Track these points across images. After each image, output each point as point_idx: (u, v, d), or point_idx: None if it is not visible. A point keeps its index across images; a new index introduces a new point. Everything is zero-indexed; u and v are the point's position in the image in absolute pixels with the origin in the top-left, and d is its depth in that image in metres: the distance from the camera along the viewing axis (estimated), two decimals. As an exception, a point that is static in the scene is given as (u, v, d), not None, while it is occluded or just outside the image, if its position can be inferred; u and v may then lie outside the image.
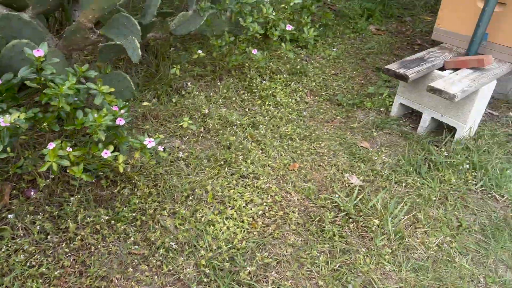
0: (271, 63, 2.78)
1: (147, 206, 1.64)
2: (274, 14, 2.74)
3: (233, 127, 2.15)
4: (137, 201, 1.63)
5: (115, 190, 1.68)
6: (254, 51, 2.29)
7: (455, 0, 2.29)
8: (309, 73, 2.77)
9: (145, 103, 2.03)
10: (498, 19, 2.15)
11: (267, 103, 2.40)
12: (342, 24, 3.58)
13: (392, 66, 2.03)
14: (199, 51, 2.25)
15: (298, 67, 2.78)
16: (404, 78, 1.96)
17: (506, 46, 2.17)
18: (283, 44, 2.40)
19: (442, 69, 2.19)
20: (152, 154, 1.66)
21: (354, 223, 1.66)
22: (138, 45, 1.52)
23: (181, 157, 1.90)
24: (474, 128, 2.19)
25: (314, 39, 3.19)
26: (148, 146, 1.41)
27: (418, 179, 1.91)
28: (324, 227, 1.63)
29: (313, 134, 2.19)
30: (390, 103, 2.41)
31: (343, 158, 2.04)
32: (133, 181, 1.71)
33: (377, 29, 3.60)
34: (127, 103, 1.56)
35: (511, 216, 1.76)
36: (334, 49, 3.16)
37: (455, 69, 2.12)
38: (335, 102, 2.51)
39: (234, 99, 2.40)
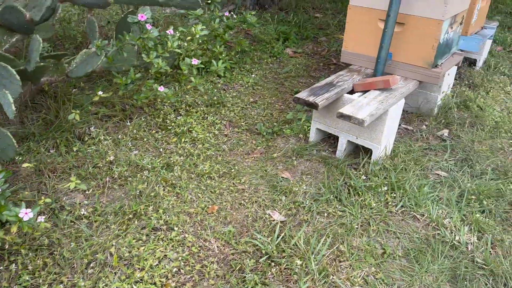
0: (186, 96, 2.66)
1: (41, 280, 1.42)
2: (185, 45, 2.64)
3: (145, 172, 1.98)
4: (28, 277, 1.41)
5: (1, 267, 1.44)
6: (161, 88, 2.16)
7: (358, 23, 2.34)
8: (227, 103, 2.68)
9: (26, 165, 1.76)
10: (399, 38, 2.21)
11: (183, 140, 2.27)
12: (259, 49, 3.57)
13: (302, 95, 1.99)
14: (100, 93, 2.07)
15: (215, 98, 2.69)
16: (314, 106, 1.93)
17: (409, 64, 2.23)
18: (192, 78, 2.29)
19: (353, 91, 2.20)
20: (34, 225, 1.44)
21: (277, 267, 1.56)
22: (11, 100, 1.33)
23: (83, 214, 1.70)
24: (390, 147, 2.21)
25: (230, 66, 3.13)
26: (25, 219, 1.22)
27: (339, 207, 1.87)
28: (245, 276, 1.51)
29: (233, 170, 2.09)
30: (309, 128, 2.38)
31: (264, 192, 1.95)
32: (23, 254, 1.48)
33: (294, 52, 3.63)
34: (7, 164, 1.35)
35: (432, 235, 1.76)
36: (253, 76, 3.12)
37: (365, 91, 2.14)
38: (255, 132, 2.44)
39: (146, 139, 2.24)
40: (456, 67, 2.61)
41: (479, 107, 2.69)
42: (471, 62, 3.35)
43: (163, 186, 1.92)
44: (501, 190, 1.99)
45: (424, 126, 2.55)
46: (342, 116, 1.85)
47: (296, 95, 2.01)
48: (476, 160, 2.22)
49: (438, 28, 2.06)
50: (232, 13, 4.37)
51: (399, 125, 2.54)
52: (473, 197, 1.94)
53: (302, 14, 4.44)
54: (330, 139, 2.37)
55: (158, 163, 2.05)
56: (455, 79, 3.09)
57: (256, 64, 3.33)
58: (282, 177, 2.07)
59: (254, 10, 4.45)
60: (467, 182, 2.03)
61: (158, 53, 2.15)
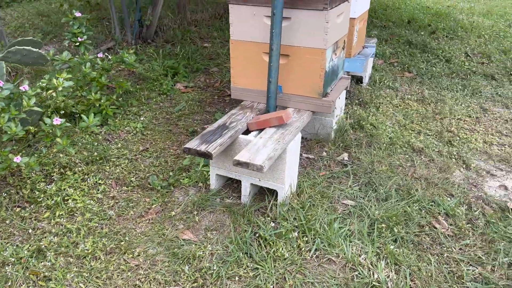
0: (60, 155, 2.27)
1: None
2: (53, 95, 2.26)
3: (6, 268, 1.57)
4: None
5: None
6: (17, 159, 1.77)
7: (243, 57, 2.20)
8: (112, 157, 2.35)
9: None
10: (286, 70, 2.12)
11: (57, 213, 1.89)
12: (146, 88, 3.29)
13: (193, 144, 1.77)
14: None
15: (96, 153, 2.34)
16: (207, 156, 1.72)
17: (300, 95, 2.15)
18: (59, 139, 1.93)
19: (248, 130, 2.04)
20: None
21: None
22: None
23: None
24: (294, 183, 2.08)
25: (113, 111, 2.80)
26: None
27: (251, 265, 1.67)
28: None
29: (123, 242, 1.77)
30: (208, 175, 2.16)
31: (164, 264, 1.67)
32: None
33: (185, 87, 3.41)
34: None
35: (351, 278, 1.64)
36: (141, 119, 2.82)
37: (260, 129, 1.99)
38: (148, 187, 2.15)
39: (8, 221, 1.82)
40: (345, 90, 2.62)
41: (372, 125, 2.73)
42: (358, 80, 3.46)
43: (33, 282, 1.53)
44: (408, 213, 1.96)
45: (324, 153, 2.49)
46: (240, 164, 1.67)
47: (186, 146, 1.77)
48: (378, 182, 2.20)
49: (322, 57, 2.00)
50: (111, 50, 4.02)
51: (301, 155, 2.45)
52: (383, 225, 1.88)
53: (190, 45, 4.26)
54: (233, 183, 2.18)
55: (26, 251, 1.65)
56: (346, 98, 3.13)
57: (145, 105, 3.04)
58: (183, 239, 1.80)
59: (137, 44, 4.16)
60: (375, 210, 1.98)
61: (11, 115, 1.77)
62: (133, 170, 2.28)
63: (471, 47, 4.46)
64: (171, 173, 2.24)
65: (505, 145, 2.61)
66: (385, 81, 3.50)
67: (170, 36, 4.49)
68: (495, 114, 3.02)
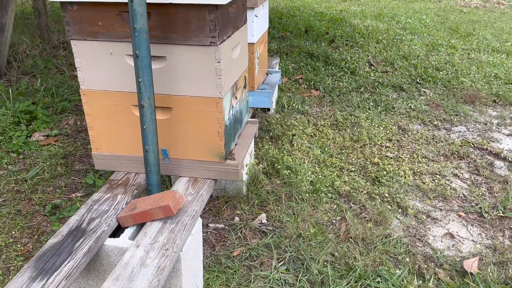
0: None
1: None
2: None
3: None
4: None
5: None
6: None
7: (103, 113, 1.54)
8: None
9: None
10: (170, 128, 1.52)
11: None
12: (-13, 146, 2.42)
13: (20, 281, 1.07)
14: None
15: None
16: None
17: (195, 160, 1.57)
18: None
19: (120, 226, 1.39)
20: None
21: None
22: None
23: None
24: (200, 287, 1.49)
25: None
26: None
27: None
28: None
29: None
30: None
31: None
32: None
33: (46, 137, 2.60)
34: None
35: None
36: (-25, 198, 1.99)
37: (140, 224, 1.35)
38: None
39: None
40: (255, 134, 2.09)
41: (289, 169, 2.25)
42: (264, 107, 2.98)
43: None
44: (354, 304, 1.49)
45: (236, 218, 1.93)
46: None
47: (8, 286, 1.07)
48: (309, 255, 1.71)
49: (219, 108, 1.44)
50: None
51: (206, 225, 1.87)
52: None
53: (56, 76, 3.41)
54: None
55: None
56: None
57: (-17, 174, 2.19)
58: None
59: (-20, 82, 3.19)
60: (311, 306, 1.47)
61: None
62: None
63: (372, 54, 4.29)
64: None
65: (435, 174, 2.31)
66: (294, 105, 3.07)
67: (28, 66, 3.57)
68: (415, 133, 2.75)
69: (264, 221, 1.92)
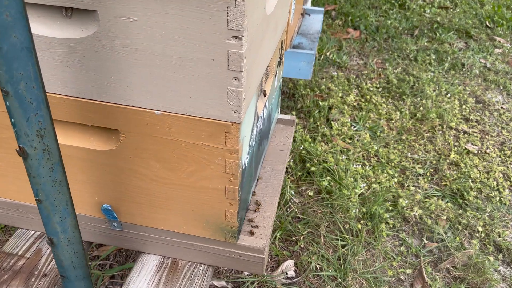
0: None
1: None
2: None
3: None
4: None
5: None
6: None
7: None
8: None
9: None
10: (116, 168, 0.69)
11: None
12: None
13: None
14: None
15: None
16: None
17: (177, 233, 0.75)
18: None
19: None
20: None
21: None
22: None
23: None
24: None
25: None
26: None
27: None
28: None
29: None
30: None
31: None
32: None
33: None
34: None
35: None
36: None
37: None
38: None
39: None
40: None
41: (329, 173, 1.46)
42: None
43: None
44: None
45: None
46: None
47: None
48: None
49: (233, 143, 0.61)
50: None
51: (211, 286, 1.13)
52: None
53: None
54: None
55: None
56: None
57: None
58: None
59: None
60: None
61: None
62: None
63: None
64: None
65: (544, 189, 1.55)
66: (327, 53, 2.18)
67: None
68: (499, 109, 1.93)
69: (291, 272, 1.19)
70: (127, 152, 0.69)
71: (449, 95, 1.98)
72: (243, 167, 0.68)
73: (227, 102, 0.59)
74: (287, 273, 1.18)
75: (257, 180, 0.91)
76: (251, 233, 0.77)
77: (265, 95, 0.78)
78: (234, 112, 0.59)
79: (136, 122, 0.65)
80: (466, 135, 1.75)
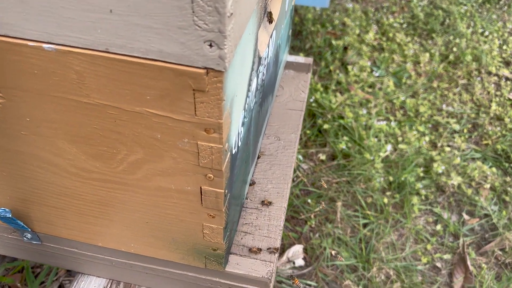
0: None
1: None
2: None
3: None
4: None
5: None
6: None
7: None
8: None
9: None
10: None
11: None
12: None
13: None
14: None
15: None
16: None
17: (125, 252, 0.47)
18: None
19: None
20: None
21: None
22: None
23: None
24: None
25: None
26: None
27: None
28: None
29: None
30: None
31: None
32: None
33: None
34: None
35: None
36: None
37: None
38: None
39: None
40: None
41: (346, 131, 1.17)
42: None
43: None
44: None
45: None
46: None
47: None
48: None
49: (214, 109, 0.31)
50: None
51: None
52: None
53: None
54: None
55: None
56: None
57: None
58: None
59: None
60: None
61: None
62: None
63: None
64: None
65: None
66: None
67: None
68: (547, 53, 1.61)
69: (300, 261, 0.94)
70: (15, 126, 0.39)
71: (486, 33, 1.64)
72: (233, 152, 0.39)
73: (193, 22, 0.27)
74: (294, 262, 0.93)
75: (258, 157, 0.62)
76: (249, 252, 0.50)
77: (270, 21, 0.47)
78: (210, 45, 0.28)
79: (16, 67, 0.34)
80: (508, 82, 1.44)
